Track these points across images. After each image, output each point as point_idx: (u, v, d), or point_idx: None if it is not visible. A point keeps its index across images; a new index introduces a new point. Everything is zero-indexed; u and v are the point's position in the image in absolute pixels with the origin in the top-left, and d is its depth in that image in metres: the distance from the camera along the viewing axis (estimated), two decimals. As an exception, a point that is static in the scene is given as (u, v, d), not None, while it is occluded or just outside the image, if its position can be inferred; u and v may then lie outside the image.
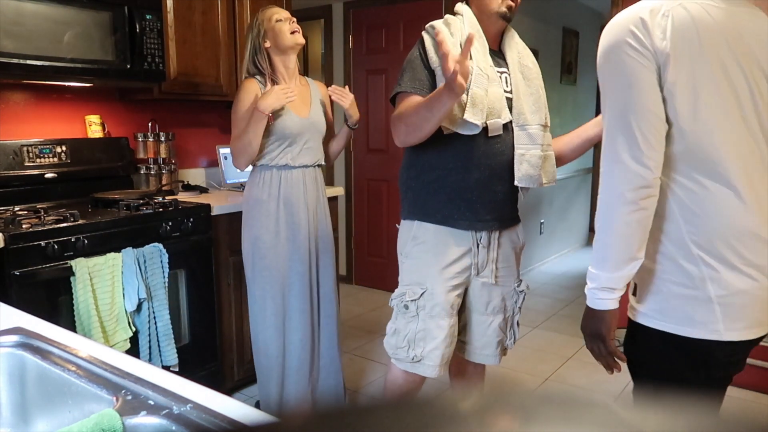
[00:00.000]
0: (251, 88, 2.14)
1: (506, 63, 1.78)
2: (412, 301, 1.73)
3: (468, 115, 1.60)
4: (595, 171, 5.81)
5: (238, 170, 2.25)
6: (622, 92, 1.15)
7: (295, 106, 2.18)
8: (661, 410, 0.24)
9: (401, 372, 1.80)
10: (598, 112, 5.81)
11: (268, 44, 2.15)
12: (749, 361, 3.02)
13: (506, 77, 1.74)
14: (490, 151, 1.69)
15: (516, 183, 1.72)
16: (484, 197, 1.71)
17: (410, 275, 1.77)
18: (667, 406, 0.24)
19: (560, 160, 1.85)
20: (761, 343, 3.10)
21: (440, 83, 1.64)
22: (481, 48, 1.69)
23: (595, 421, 0.24)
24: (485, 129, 1.66)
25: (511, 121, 1.71)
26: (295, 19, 2.18)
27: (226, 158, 3.02)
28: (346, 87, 2.26)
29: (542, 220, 5.06)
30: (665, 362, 1.25)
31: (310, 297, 2.27)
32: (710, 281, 1.16)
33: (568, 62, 5.18)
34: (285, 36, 2.14)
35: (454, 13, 1.76)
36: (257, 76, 2.17)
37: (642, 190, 1.14)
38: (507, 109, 1.70)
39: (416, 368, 1.75)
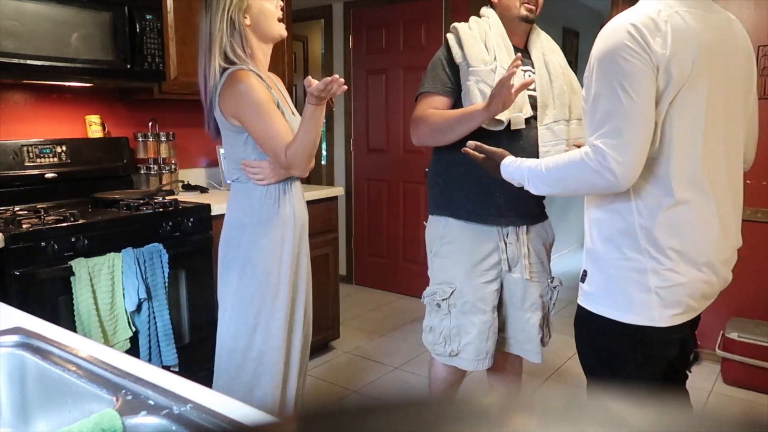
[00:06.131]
0: (253, 77, 1.66)
1: (531, 61, 1.82)
2: (443, 300, 1.79)
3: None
4: (595, 171, 5.80)
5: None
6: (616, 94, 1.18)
7: (289, 104, 1.83)
8: (659, 409, 0.24)
9: (442, 365, 1.87)
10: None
11: (248, 22, 1.67)
12: (749, 361, 3.00)
13: (529, 75, 1.78)
14: (514, 147, 1.67)
15: None
16: (507, 193, 1.70)
17: (440, 274, 1.81)
18: (664, 404, 0.24)
19: None
20: (761, 343, 3.07)
21: (465, 78, 1.72)
22: (505, 48, 1.75)
23: (595, 421, 0.24)
24: (508, 124, 1.70)
25: (534, 118, 1.74)
26: (282, 4, 1.74)
27: (225, 158, 3.01)
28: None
29: (542, 220, 5.06)
30: (606, 342, 1.35)
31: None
32: (652, 273, 1.24)
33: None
34: (273, 23, 1.70)
35: (479, 15, 1.82)
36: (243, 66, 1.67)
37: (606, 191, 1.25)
38: (528, 105, 1.73)
39: (454, 362, 1.82)
